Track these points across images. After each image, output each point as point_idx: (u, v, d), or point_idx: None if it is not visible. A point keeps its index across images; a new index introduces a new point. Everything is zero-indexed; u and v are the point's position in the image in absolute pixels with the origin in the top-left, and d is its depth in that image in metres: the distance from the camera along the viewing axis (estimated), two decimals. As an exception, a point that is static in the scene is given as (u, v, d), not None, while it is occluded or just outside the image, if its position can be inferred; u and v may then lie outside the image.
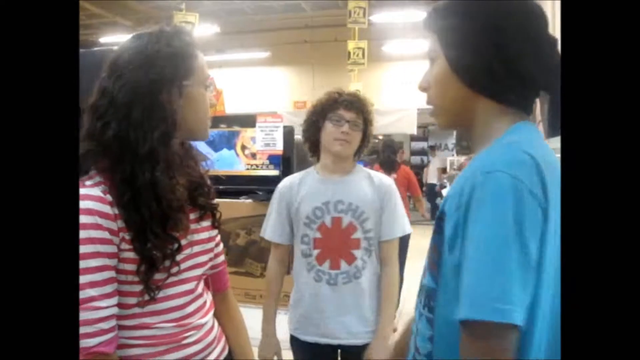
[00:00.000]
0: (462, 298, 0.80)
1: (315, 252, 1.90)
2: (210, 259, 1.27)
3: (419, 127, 10.91)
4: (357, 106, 1.89)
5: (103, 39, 9.80)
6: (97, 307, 1.02)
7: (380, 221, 1.92)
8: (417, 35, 9.98)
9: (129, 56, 1.09)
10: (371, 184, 1.94)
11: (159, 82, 1.07)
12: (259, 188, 4.14)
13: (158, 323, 1.13)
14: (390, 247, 1.97)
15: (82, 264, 1.00)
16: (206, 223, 1.24)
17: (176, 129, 1.10)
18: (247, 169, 4.16)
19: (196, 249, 1.20)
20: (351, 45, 7.89)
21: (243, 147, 4.15)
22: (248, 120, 4.04)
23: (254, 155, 4.12)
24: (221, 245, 1.36)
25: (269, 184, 4.12)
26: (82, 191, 1.02)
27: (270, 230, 2.00)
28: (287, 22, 11.05)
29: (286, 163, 4.13)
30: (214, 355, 1.25)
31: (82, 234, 1.00)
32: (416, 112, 9.76)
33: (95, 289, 1.02)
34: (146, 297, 1.10)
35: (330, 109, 1.90)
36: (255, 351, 1.49)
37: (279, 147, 3.94)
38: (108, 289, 1.04)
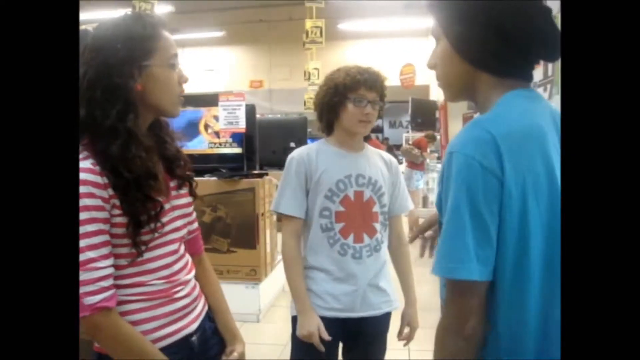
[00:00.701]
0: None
1: (338, 225, 1.87)
2: (189, 223, 1.41)
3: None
4: (378, 85, 1.86)
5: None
6: (97, 268, 1.14)
7: (391, 197, 1.97)
8: (373, 14, 10.11)
9: (93, 43, 1.21)
10: (383, 161, 1.98)
11: (115, 65, 1.18)
12: (222, 166, 4.23)
13: (151, 280, 1.26)
14: (401, 222, 2.06)
15: (80, 229, 1.11)
16: (184, 191, 1.39)
17: (134, 106, 1.20)
18: (211, 147, 4.23)
19: (177, 213, 1.33)
20: (309, 24, 7.92)
21: (206, 126, 4.22)
22: (210, 99, 4.10)
23: (217, 134, 4.20)
24: (194, 213, 1.47)
25: (232, 161, 4.23)
26: None
27: (287, 203, 1.89)
28: (242, 2, 10.97)
29: (249, 141, 4.23)
30: (199, 309, 1.39)
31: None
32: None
33: (94, 251, 1.13)
34: (136, 257, 1.22)
35: (351, 89, 1.84)
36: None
37: (241, 126, 4.03)
38: (104, 250, 1.16)
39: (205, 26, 11.51)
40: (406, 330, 2.00)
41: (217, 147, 4.22)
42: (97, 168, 1.15)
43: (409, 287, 2.03)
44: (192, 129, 4.18)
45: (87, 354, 1.56)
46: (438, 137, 8.21)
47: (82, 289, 1.11)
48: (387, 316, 1.98)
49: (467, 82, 1.06)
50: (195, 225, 1.48)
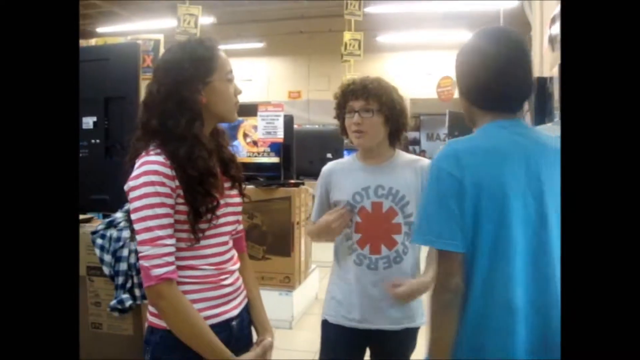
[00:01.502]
0: None
1: (356, 236, 1.90)
2: (237, 221, 1.59)
3: (411, 117, 11.06)
4: (365, 92, 1.87)
5: (100, 29, 9.85)
6: (164, 245, 1.34)
7: None
8: (411, 26, 10.13)
9: (164, 65, 1.45)
10: (412, 169, 1.93)
11: (183, 82, 1.40)
12: (260, 174, 4.32)
13: (202, 265, 1.44)
14: None
15: (151, 211, 1.33)
16: (235, 192, 1.57)
17: (200, 116, 1.43)
18: (249, 156, 4.33)
19: (229, 209, 1.51)
20: (347, 36, 7.98)
21: (245, 135, 4.32)
22: (249, 109, 4.20)
23: (255, 143, 4.29)
24: (241, 216, 1.65)
25: (270, 170, 4.32)
26: (151, 158, 1.37)
27: (315, 215, 2.04)
28: (282, 13, 11.11)
29: (286, 150, 4.31)
30: (240, 298, 1.56)
31: (151, 189, 1.33)
32: (409, 102, 9.92)
33: (162, 230, 1.34)
34: (193, 242, 1.41)
35: (344, 102, 1.92)
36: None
37: (279, 135, 4.11)
38: (170, 231, 1.36)
39: (245, 37, 11.72)
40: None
41: (255, 156, 4.32)
42: (168, 162, 1.37)
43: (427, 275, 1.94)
44: (230, 137, 4.29)
45: (131, 347, 1.68)
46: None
47: (150, 262, 1.32)
48: (408, 332, 1.94)
49: (469, 115, 1.48)
50: (241, 226, 1.67)
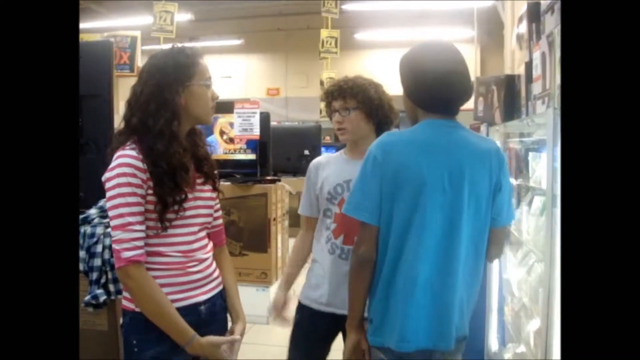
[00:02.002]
0: None
1: (333, 226, 2.02)
2: (210, 215, 1.69)
3: (390, 114, 11.08)
4: (341, 92, 1.99)
5: (76, 25, 9.74)
6: (134, 230, 1.46)
7: None
8: (388, 24, 10.20)
9: (148, 69, 1.58)
10: None
11: (166, 85, 1.53)
12: (236, 171, 4.35)
13: (170, 252, 1.56)
14: None
15: (123, 199, 1.46)
16: (208, 187, 1.68)
17: (178, 116, 1.55)
18: (225, 153, 4.35)
19: (200, 202, 1.63)
20: (324, 33, 8.00)
21: (221, 132, 4.34)
22: (226, 107, 4.22)
23: (232, 140, 4.31)
24: (220, 211, 1.79)
25: (246, 167, 4.35)
26: (124, 152, 1.50)
27: (302, 206, 2.16)
28: (260, 10, 11.09)
29: (263, 147, 4.34)
30: (212, 285, 1.67)
31: (123, 179, 1.46)
32: (387, 100, 9.94)
33: (132, 217, 1.46)
34: (160, 230, 1.52)
35: (328, 103, 2.05)
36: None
37: (256, 132, 4.14)
38: (140, 218, 1.48)
39: (223, 34, 11.68)
40: None
41: (232, 153, 4.34)
42: (140, 156, 1.50)
43: None
44: (206, 133, 4.30)
45: (106, 343, 1.73)
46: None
47: (121, 245, 1.45)
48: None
49: (412, 113, 1.67)
50: (220, 221, 1.79)
